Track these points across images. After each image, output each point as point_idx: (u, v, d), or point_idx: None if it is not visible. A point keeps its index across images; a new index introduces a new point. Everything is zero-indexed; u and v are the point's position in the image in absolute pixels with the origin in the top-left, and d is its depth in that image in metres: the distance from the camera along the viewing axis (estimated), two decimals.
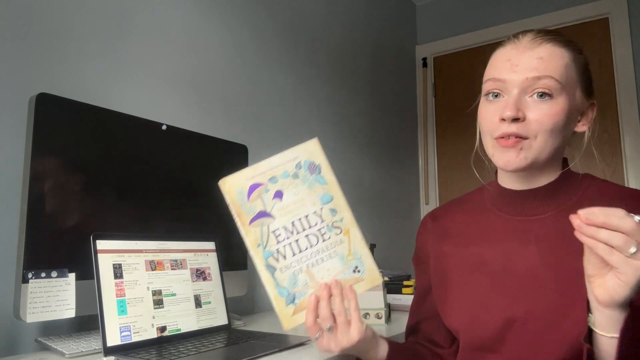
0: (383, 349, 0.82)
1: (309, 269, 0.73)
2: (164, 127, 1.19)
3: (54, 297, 0.91)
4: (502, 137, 0.77)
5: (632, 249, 0.56)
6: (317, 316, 0.73)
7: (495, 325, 0.78)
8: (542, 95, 0.75)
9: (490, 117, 0.79)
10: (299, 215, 0.73)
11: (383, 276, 0.75)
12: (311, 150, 0.75)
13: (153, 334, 0.95)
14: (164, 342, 0.96)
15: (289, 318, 0.72)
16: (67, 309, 0.92)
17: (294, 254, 0.72)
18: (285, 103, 1.87)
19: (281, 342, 0.98)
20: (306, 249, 0.73)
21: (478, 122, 0.86)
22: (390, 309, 1.39)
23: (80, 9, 1.22)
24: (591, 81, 0.83)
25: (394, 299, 1.53)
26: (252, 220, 0.72)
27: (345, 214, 0.74)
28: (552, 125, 0.75)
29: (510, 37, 0.82)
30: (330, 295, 0.73)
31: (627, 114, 2.34)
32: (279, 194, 0.73)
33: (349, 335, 0.74)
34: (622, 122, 2.35)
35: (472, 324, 0.82)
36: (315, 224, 0.73)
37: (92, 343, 0.95)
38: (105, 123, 1.06)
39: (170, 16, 1.45)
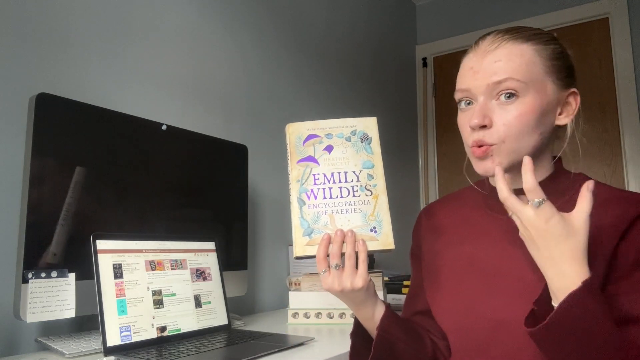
0: (379, 310, 0.83)
1: (332, 214, 0.80)
2: (164, 127, 1.19)
3: (54, 297, 0.91)
4: (474, 146, 0.78)
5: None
6: (327, 253, 0.77)
7: (485, 328, 0.78)
8: (508, 96, 0.74)
9: (464, 126, 0.81)
10: (340, 170, 0.83)
11: (394, 244, 0.81)
12: (368, 124, 0.85)
13: (153, 334, 0.95)
14: (164, 342, 0.96)
15: (301, 247, 0.79)
16: (67, 309, 0.92)
17: (324, 198, 0.81)
18: (285, 103, 1.87)
19: (281, 342, 0.98)
20: (336, 197, 0.81)
21: None
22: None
23: (81, 9, 1.22)
24: (569, 69, 0.79)
25: (394, 299, 1.53)
26: (300, 160, 0.82)
27: (380, 182, 0.82)
28: (520, 126, 0.74)
29: (473, 44, 0.83)
30: (343, 242, 0.78)
31: (627, 114, 2.34)
32: (329, 148, 0.83)
33: (354, 281, 0.77)
34: (622, 122, 2.35)
35: (462, 326, 0.81)
36: (352, 181, 0.82)
37: (92, 343, 0.95)
38: (105, 123, 1.06)
39: (171, 16, 1.45)
